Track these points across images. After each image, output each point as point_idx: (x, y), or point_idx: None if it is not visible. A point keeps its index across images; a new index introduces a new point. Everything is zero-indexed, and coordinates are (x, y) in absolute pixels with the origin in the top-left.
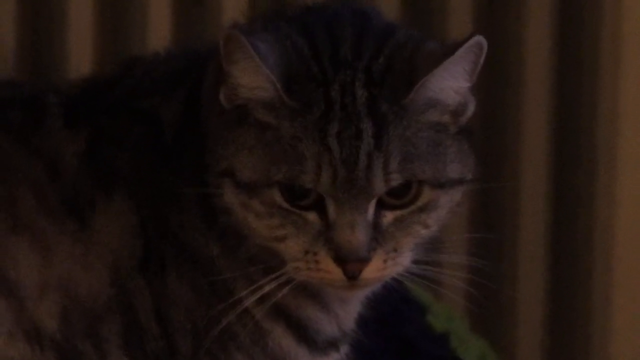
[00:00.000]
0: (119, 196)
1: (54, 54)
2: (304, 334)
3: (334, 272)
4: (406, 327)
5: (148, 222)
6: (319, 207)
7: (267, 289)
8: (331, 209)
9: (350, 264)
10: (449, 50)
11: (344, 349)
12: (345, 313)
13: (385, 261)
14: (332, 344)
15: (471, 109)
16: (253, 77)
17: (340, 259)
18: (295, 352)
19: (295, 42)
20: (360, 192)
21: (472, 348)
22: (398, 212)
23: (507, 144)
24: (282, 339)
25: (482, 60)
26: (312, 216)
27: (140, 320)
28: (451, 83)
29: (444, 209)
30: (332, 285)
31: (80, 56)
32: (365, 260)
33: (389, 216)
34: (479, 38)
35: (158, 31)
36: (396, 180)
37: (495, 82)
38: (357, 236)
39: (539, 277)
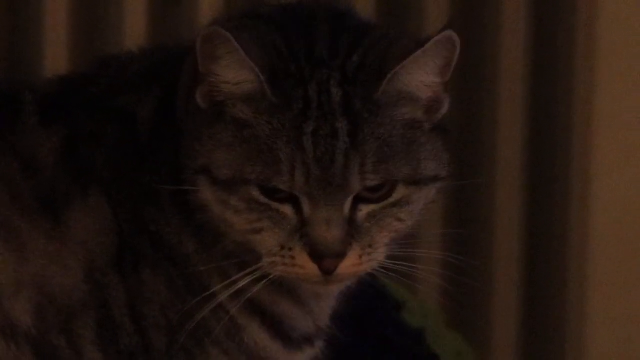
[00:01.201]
0: (94, 194)
1: (29, 52)
2: (279, 329)
3: (310, 267)
4: (381, 323)
5: (123, 220)
6: (295, 201)
7: (241, 284)
8: (306, 206)
9: (326, 260)
10: (419, 43)
11: (319, 344)
12: (320, 309)
13: (360, 257)
14: (307, 340)
15: (445, 106)
16: (237, 72)
17: (316, 255)
18: (270, 348)
19: (273, 40)
20: (336, 190)
21: (447, 343)
22: (372, 207)
23: (483, 141)
24: (257, 334)
25: (455, 57)
26: (288, 210)
27: (114, 316)
28: (421, 76)
29: (418, 205)
30: (307, 281)
31: (56, 55)
32: (340, 256)
33: (363, 210)
34: (450, 32)
35: (134, 30)
36: (372, 180)
37: (470, 79)
38: (333, 232)
39: (514, 273)
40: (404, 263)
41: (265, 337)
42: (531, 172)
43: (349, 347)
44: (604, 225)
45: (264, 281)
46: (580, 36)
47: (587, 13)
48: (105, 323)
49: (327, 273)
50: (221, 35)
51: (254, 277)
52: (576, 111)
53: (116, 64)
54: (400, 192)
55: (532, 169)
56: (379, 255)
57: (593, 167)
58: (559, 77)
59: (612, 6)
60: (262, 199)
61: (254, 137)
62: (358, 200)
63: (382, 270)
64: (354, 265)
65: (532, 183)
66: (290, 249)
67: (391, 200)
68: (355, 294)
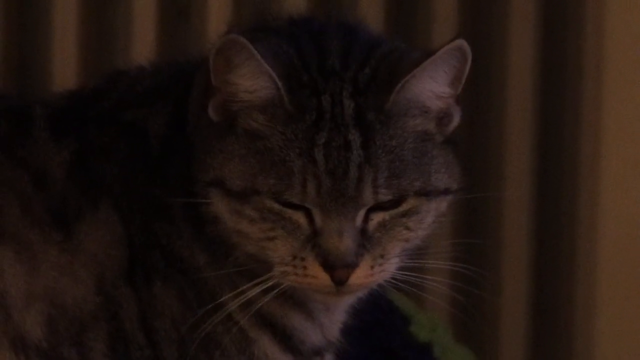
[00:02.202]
0: (105, 207)
1: (39, 67)
2: (289, 343)
3: (322, 277)
4: (390, 337)
5: (134, 233)
6: (308, 211)
7: (251, 294)
8: (317, 217)
9: (338, 270)
10: (430, 52)
11: (329, 357)
12: (330, 322)
13: (372, 267)
14: (316, 353)
15: (456, 119)
16: (254, 79)
17: (328, 265)
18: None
19: (285, 51)
20: (348, 202)
21: (456, 357)
22: (382, 215)
23: (491, 153)
24: (267, 347)
25: (466, 68)
26: (301, 219)
27: (125, 329)
28: (431, 85)
29: (428, 215)
30: (319, 291)
31: (64, 70)
32: (352, 266)
33: (374, 220)
34: (461, 41)
35: (142, 45)
36: (385, 195)
37: (479, 90)
38: (345, 243)
39: (523, 286)
40: (414, 274)
41: (276, 350)
42: (539, 183)
43: None
44: (613, 237)
45: (275, 291)
46: (589, 46)
47: (594, 23)
48: (116, 336)
49: (339, 283)
50: (239, 43)
51: (264, 287)
52: (584, 122)
53: (127, 78)
54: (410, 202)
55: (541, 180)
56: (391, 266)
57: (601, 177)
58: (567, 88)
59: (620, 14)
60: (276, 207)
61: (267, 148)
62: (369, 209)
63: (393, 281)
64: (365, 276)
65: (540, 193)
66: (302, 259)
67: (401, 209)
68: (364, 307)
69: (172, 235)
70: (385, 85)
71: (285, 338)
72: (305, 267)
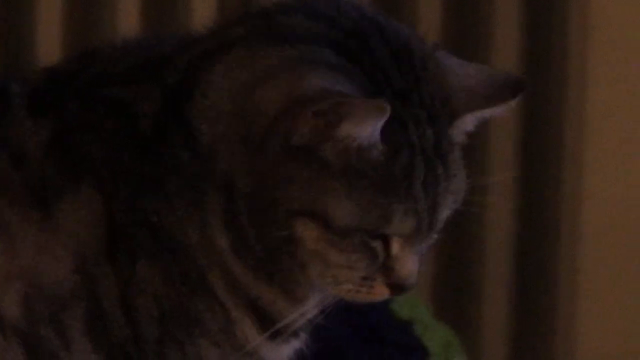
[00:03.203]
0: (87, 185)
1: (22, 47)
2: (271, 325)
3: (384, 294)
4: (370, 314)
5: (118, 211)
6: (384, 238)
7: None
8: (396, 245)
9: (404, 290)
10: (493, 99)
11: (304, 335)
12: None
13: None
14: (294, 333)
15: None
16: (360, 134)
17: (398, 288)
18: (259, 342)
19: (353, 72)
20: (431, 232)
21: (436, 335)
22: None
23: (476, 141)
24: (249, 329)
25: None
26: (379, 246)
27: (104, 307)
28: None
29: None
30: (371, 301)
31: (48, 50)
32: (416, 284)
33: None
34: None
35: (127, 24)
36: (448, 215)
37: None
38: (416, 267)
39: (505, 263)
40: None
41: (256, 333)
42: (524, 169)
43: (338, 338)
44: (595, 222)
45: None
46: (573, 34)
47: (579, 12)
48: (95, 314)
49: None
50: (379, 107)
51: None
52: (568, 115)
53: (103, 55)
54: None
55: (525, 168)
56: None
57: (584, 168)
58: (551, 77)
59: (605, 10)
60: (370, 241)
61: (367, 186)
62: None
63: None
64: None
65: (524, 175)
66: (372, 280)
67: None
68: None
69: (163, 212)
70: (446, 109)
71: (267, 321)
72: (372, 287)
